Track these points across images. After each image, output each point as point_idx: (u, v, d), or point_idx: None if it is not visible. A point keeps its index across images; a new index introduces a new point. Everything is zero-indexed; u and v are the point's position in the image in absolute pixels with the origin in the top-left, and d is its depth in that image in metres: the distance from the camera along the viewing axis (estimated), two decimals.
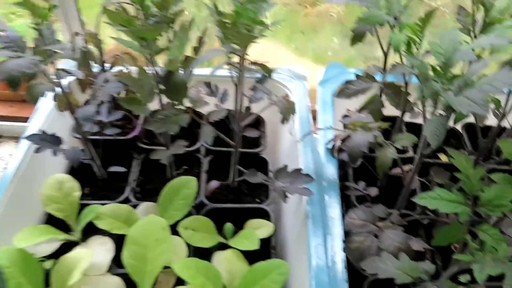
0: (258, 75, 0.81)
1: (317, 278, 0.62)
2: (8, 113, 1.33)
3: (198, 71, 0.98)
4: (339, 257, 0.65)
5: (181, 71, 0.71)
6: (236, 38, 0.56)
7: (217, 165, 0.91)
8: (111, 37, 0.69)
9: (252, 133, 0.89)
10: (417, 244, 0.61)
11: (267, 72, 0.65)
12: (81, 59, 0.80)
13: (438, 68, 0.56)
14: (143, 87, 0.72)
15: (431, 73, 0.55)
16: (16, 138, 1.33)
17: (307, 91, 0.94)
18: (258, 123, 0.99)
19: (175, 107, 0.72)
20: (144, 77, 0.72)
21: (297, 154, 0.83)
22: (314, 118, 0.91)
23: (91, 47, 0.86)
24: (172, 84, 0.70)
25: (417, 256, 0.61)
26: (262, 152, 0.92)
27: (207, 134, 0.72)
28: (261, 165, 0.91)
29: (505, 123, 0.84)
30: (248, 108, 0.88)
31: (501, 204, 0.46)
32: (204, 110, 0.85)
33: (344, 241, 0.62)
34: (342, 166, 0.90)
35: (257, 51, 1.68)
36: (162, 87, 0.70)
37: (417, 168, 0.65)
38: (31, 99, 0.65)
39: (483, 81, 0.52)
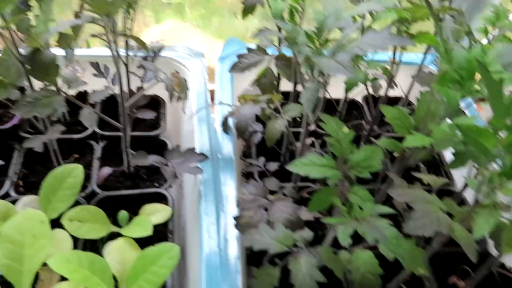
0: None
1: (209, 257, 0.60)
2: None
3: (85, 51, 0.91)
4: (232, 235, 0.63)
5: (50, 50, 0.64)
6: (92, 5, 0.51)
7: (113, 151, 0.85)
8: None
9: (147, 115, 0.84)
10: (307, 214, 0.61)
11: (142, 45, 0.60)
12: None
13: (312, 33, 0.55)
14: (8, 68, 0.65)
15: (304, 38, 0.53)
16: None
17: (205, 68, 0.90)
18: (157, 104, 0.94)
19: (47, 88, 0.65)
20: (9, 58, 0.64)
21: (193, 134, 0.79)
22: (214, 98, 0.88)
23: None
24: (40, 63, 0.63)
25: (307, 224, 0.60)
26: (161, 135, 0.87)
27: (85, 117, 0.66)
28: (161, 148, 0.86)
29: (399, 93, 0.87)
30: (140, 88, 0.83)
31: (369, 165, 0.46)
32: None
33: (235, 218, 0.60)
34: (247, 144, 0.88)
35: (164, 32, 1.62)
36: (28, 67, 0.63)
37: (305, 137, 0.64)
38: None
39: (352, 44, 0.51)
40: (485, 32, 0.70)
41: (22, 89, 0.71)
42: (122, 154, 0.79)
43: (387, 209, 0.45)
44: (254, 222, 0.59)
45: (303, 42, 0.52)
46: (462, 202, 0.77)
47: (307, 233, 0.51)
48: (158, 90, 0.84)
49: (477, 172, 0.54)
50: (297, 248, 0.50)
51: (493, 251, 0.63)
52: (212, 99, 0.88)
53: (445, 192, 0.82)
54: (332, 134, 0.48)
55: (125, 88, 0.74)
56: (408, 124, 0.61)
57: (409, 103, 0.92)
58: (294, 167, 0.47)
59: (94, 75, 0.79)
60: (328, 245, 0.52)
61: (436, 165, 0.94)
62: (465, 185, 0.71)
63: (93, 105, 0.74)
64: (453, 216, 0.49)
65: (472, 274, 0.68)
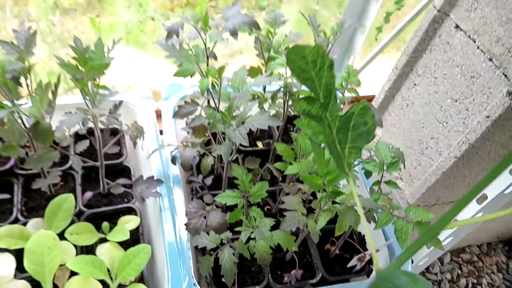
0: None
1: (170, 251, 0.94)
2: None
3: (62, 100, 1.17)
4: (184, 235, 0.98)
5: (46, 117, 0.92)
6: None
7: (90, 178, 1.15)
8: None
9: (114, 150, 1.14)
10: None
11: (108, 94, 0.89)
12: None
13: (225, 112, 0.88)
14: (14, 133, 0.92)
15: (219, 117, 0.87)
16: None
17: (153, 110, 1.21)
18: (117, 133, 1.24)
19: (45, 147, 0.93)
20: (13, 125, 0.92)
21: (151, 164, 1.11)
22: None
23: None
24: (40, 132, 0.91)
25: None
26: (124, 161, 1.18)
27: (75, 164, 0.96)
28: (125, 171, 1.17)
29: None
30: (111, 131, 1.12)
31: (260, 194, 0.82)
32: None
33: (185, 224, 0.95)
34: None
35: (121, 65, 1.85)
36: (31, 134, 0.91)
37: (227, 167, 0.99)
38: None
39: (248, 120, 0.86)
40: (341, 87, 1.07)
41: (22, 146, 0.98)
42: (99, 180, 1.09)
43: (270, 220, 0.82)
44: (198, 227, 0.94)
45: (219, 120, 0.86)
46: None
47: (228, 234, 0.88)
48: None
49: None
50: (222, 244, 0.86)
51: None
52: (161, 132, 1.19)
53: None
54: (238, 177, 0.83)
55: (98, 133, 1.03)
56: (292, 155, 0.98)
57: None
58: (220, 198, 0.82)
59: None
60: (241, 240, 0.88)
61: None
62: None
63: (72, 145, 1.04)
64: (309, 215, 0.87)
65: (337, 242, 1.09)
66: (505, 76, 1.05)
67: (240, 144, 0.93)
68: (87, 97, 0.86)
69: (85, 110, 0.84)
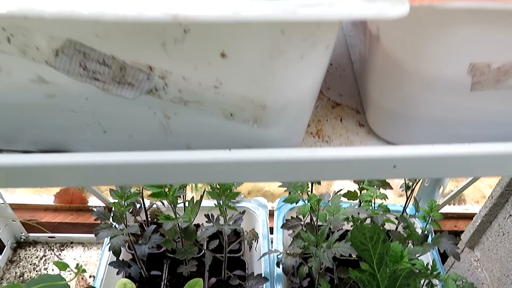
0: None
1: None
2: (69, 220, 1.92)
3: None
4: None
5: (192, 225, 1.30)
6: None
7: (215, 266, 1.49)
8: None
9: (235, 246, 1.48)
10: None
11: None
12: None
13: (319, 236, 1.15)
14: (171, 233, 1.32)
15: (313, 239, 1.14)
16: (82, 244, 1.88)
17: (267, 217, 1.54)
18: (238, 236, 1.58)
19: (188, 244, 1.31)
20: (173, 229, 1.32)
21: (261, 262, 1.42)
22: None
23: None
24: (188, 233, 1.29)
25: None
26: (241, 256, 1.51)
27: (207, 257, 1.31)
28: (242, 264, 1.50)
29: None
30: (234, 231, 1.48)
31: None
32: None
33: None
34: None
35: None
36: (182, 233, 1.30)
37: (318, 275, 1.23)
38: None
39: (335, 245, 1.11)
40: (424, 219, 1.25)
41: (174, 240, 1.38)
42: (222, 270, 1.43)
43: None
44: None
45: (313, 242, 1.12)
46: None
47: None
48: None
49: None
50: None
51: None
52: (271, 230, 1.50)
53: None
54: None
55: (226, 238, 1.38)
56: None
57: None
58: None
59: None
60: None
61: None
62: None
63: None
64: None
65: None
66: None
67: None
68: (221, 214, 1.23)
69: (219, 225, 1.19)
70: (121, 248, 1.24)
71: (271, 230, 1.52)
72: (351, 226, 1.30)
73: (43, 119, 0.47)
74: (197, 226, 1.53)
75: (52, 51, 0.38)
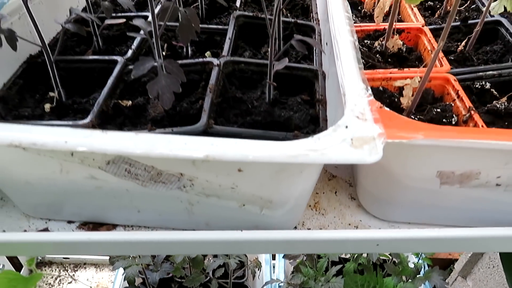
0: None
1: None
2: None
3: None
4: None
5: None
6: None
7: None
8: None
9: (239, 273, 1.57)
10: None
11: None
12: None
13: (317, 270, 1.24)
14: (181, 262, 1.42)
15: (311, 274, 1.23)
16: (94, 265, 1.95)
17: None
18: (242, 264, 1.67)
19: None
20: (182, 260, 1.42)
21: None
22: None
23: None
24: (195, 263, 1.39)
25: None
26: (245, 282, 1.60)
27: (214, 285, 1.40)
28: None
29: None
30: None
31: None
32: None
33: None
34: None
35: None
36: (190, 263, 1.39)
37: None
38: None
39: (332, 280, 1.20)
40: (417, 255, 1.34)
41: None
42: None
43: None
44: None
45: (312, 276, 1.22)
46: None
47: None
48: None
49: None
50: None
51: None
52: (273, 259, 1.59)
53: None
54: None
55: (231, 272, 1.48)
56: None
57: None
58: None
59: None
60: None
61: None
62: None
63: None
64: None
65: None
66: None
67: None
68: None
69: (225, 257, 1.29)
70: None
71: (273, 256, 1.62)
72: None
73: (88, 201, 0.57)
74: (204, 255, 1.63)
75: (105, 161, 0.48)
